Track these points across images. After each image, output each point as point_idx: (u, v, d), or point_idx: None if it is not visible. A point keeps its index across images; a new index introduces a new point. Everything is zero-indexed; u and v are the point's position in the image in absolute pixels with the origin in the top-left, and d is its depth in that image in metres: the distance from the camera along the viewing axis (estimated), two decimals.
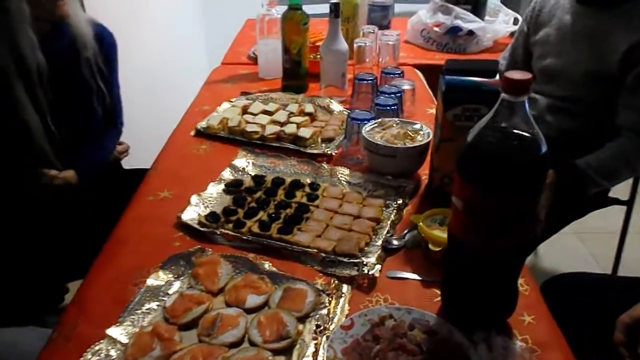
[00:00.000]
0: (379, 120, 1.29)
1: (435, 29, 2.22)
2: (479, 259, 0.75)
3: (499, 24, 2.23)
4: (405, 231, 1.05)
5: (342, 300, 0.88)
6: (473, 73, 1.02)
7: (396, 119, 1.30)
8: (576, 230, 2.46)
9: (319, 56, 1.71)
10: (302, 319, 0.84)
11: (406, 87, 1.55)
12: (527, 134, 0.67)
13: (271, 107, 1.58)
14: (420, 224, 0.98)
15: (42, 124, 1.21)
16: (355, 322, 0.82)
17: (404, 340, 0.77)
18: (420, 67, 2.04)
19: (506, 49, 1.92)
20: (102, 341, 0.78)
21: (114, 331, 0.79)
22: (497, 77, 1.02)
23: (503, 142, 0.67)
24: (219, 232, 1.03)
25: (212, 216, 1.06)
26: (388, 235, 1.04)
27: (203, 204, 1.12)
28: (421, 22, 2.26)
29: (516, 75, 0.65)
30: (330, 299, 0.87)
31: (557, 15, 1.64)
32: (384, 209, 1.12)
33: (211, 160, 1.32)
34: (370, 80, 1.59)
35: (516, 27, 2.00)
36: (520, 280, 0.92)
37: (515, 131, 0.67)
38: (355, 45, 1.72)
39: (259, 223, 1.05)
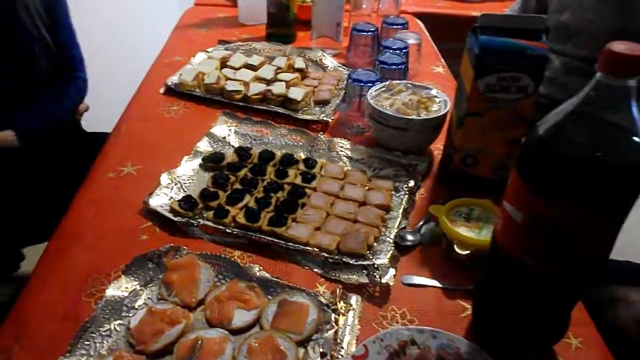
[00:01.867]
0: (387, 83, 1.09)
1: None
2: (535, 282, 0.59)
3: None
4: (421, 223, 0.88)
5: (351, 316, 0.71)
6: (513, 32, 0.82)
7: (406, 82, 1.10)
8: None
9: (309, 0, 1.47)
10: (302, 343, 0.67)
11: (412, 41, 1.34)
12: (628, 131, 0.49)
13: (255, 60, 1.35)
14: (443, 218, 0.81)
15: None
16: (370, 350, 0.66)
17: None
18: (422, 17, 1.82)
19: None
20: None
21: None
22: (544, 38, 0.82)
23: (596, 139, 0.49)
24: (196, 224, 0.84)
25: (187, 201, 0.87)
26: (401, 228, 0.87)
27: (176, 184, 0.92)
28: None
29: (623, 48, 0.46)
30: (336, 316, 0.71)
31: None
32: (393, 193, 0.95)
33: (184, 125, 1.11)
34: (371, 31, 1.37)
35: None
36: None
37: (615, 126, 0.49)
38: None
39: (246, 211, 0.86)
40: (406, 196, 0.94)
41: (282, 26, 1.54)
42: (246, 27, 1.63)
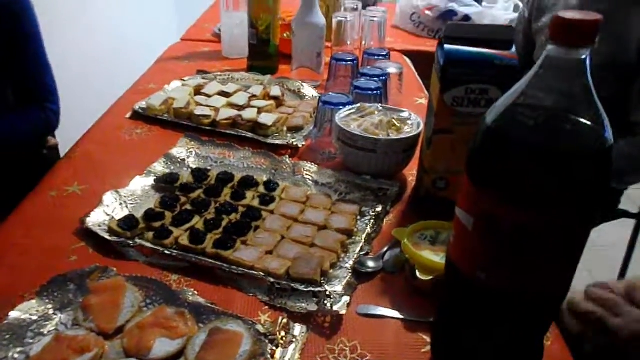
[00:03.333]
0: (358, 105, 1.03)
1: (427, 12, 1.97)
2: (493, 302, 0.50)
3: (498, 10, 1.99)
4: (385, 249, 0.79)
5: (292, 348, 0.62)
6: (481, 43, 0.77)
7: (378, 105, 1.04)
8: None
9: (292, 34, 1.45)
10: None
11: (392, 70, 1.30)
12: (585, 114, 0.41)
13: (230, 88, 1.31)
14: (405, 241, 0.72)
15: None
16: None
17: None
18: (409, 54, 1.79)
19: None
20: None
21: None
22: (514, 49, 0.77)
23: (548, 125, 0.42)
24: (132, 244, 0.76)
25: (127, 221, 0.79)
26: (362, 253, 0.78)
27: (120, 204, 0.85)
28: (411, 4, 2.01)
29: (575, 14, 0.39)
30: (273, 347, 0.61)
31: None
32: (358, 217, 0.86)
33: (144, 148, 1.05)
34: (351, 61, 1.33)
35: (516, 15, 1.79)
36: None
37: (568, 109, 0.41)
38: (334, 21, 1.46)
39: (190, 233, 0.78)
40: (372, 221, 0.86)
41: (263, 58, 1.51)
42: (229, 60, 1.61)
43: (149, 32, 2.38)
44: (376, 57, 1.39)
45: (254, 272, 0.72)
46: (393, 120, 0.98)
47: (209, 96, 1.27)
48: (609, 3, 1.32)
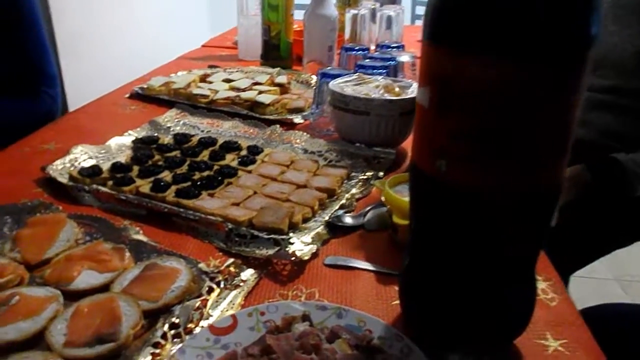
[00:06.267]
0: (357, 74, 0.96)
1: None
2: (460, 211, 0.39)
3: None
4: (368, 207, 0.69)
5: (236, 291, 0.52)
6: None
7: (379, 77, 0.96)
8: (617, 276, 2.05)
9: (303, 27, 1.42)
10: (157, 314, 0.48)
11: (405, 58, 1.23)
12: None
13: (235, 76, 1.27)
14: (386, 187, 0.63)
15: None
16: (240, 323, 0.46)
17: (310, 357, 0.40)
18: None
19: None
20: None
21: None
22: None
23: None
24: (87, 189, 0.70)
25: (89, 170, 0.73)
26: (340, 210, 0.69)
27: (91, 157, 0.80)
28: None
29: None
30: (215, 286, 0.52)
31: None
32: (345, 180, 0.77)
33: (135, 120, 1.00)
34: (362, 51, 1.27)
35: None
36: (542, 283, 0.55)
37: None
38: (348, 15, 1.42)
39: (153, 182, 0.71)
40: (360, 184, 0.76)
41: (276, 59, 1.48)
42: (244, 62, 1.59)
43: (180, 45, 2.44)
44: (389, 49, 1.33)
45: (211, 217, 0.63)
46: (393, 85, 0.89)
47: (212, 83, 1.23)
48: None
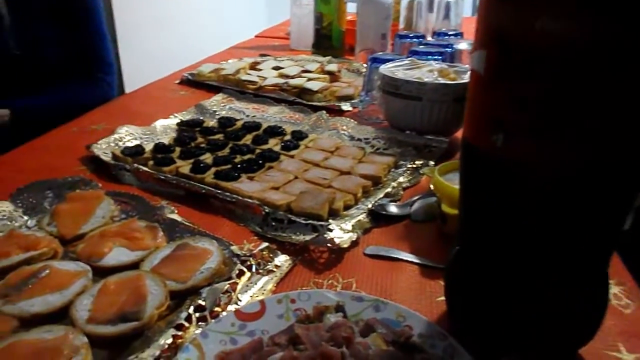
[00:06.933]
0: (410, 58, 0.91)
1: None
2: (522, 191, 0.34)
3: None
4: (416, 197, 0.64)
5: (268, 277, 0.49)
6: None
7: (434, 62, 0.90)
8: None
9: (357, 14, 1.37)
10: (184, 295, 0.46)
11: (463, 46, 1.16)
12: None
13: (285, 64, 1.25)
14: (436, 175, 0.57)
15: None
16: (268, 310, 0.43)
17: (340, 350, 0.36)
18: None
19: None
20: None
21: None
22: None
23: None
24: (128, 167, 0.69)
25: (132, 149, 0.73)
26: (385, 199, 0.64)
27: (135, 138, 0.79)
28: None
29: None
30: (246, 270, 0.49)
31: None
32: (392, 169, 0.73)
33: (183, 104, 1.00)
34: (416, 38, 1.21)
35: None
36: (615, 287, 0.48)
37: None
38: (403, 2, 1.36)
39: (193, 163, 0.70)
40: (408, 172, 0.71)
41: (327, 49, 1.45)
42: (295, 52, 1.57)
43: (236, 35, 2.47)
44: (447, 37, 1.26)
45: (248, 200, 0.61)
46: (448, 70, 0.84)
47: (261, 70, 1.22)
48: None
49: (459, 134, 0.82)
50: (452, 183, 0.56)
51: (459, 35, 1.26)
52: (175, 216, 0.57)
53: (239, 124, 0.86)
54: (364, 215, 0.60)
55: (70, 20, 1.16)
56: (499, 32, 0.32)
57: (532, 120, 0.31)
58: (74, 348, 0.39)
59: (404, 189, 0.68)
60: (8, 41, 1.05)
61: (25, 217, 0.58)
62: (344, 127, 0.86)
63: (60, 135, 0.84)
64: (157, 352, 0.39)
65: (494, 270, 0.39)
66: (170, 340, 0.40)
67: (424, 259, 0.53)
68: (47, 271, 0.47)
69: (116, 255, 0.51)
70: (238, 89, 1.08)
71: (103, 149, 0.74)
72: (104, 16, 1.26)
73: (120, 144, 0.77)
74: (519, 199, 0.34)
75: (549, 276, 0.37)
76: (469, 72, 0.81)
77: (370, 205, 0.62)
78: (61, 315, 0.44)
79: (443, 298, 0.46)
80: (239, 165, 0.70)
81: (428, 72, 0.83)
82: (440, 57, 0.99)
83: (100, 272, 0.49)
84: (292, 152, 0.76)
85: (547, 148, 0.31)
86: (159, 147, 0.74)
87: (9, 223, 0.56)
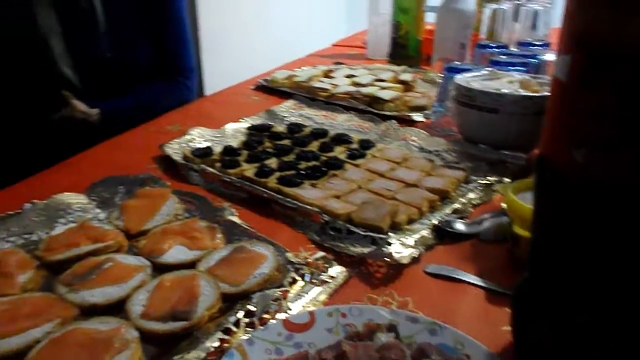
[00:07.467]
0: (489, 69, 0.86)
1: None
2: (606, 212, 0.30)
3: None
4: (486, 215, 0.60)
5: (321, 288, 0.47)
6: None
7: (517, 74, 0.85)
8: None
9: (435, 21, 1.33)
10: (235, 298, 0.45)
11: (550, 57, 1.08)
12: None
13: (359, 72, 1.24)
14: (509, 193, 0.53)
15: (66, 47, 1.05)
16: (317, 322, 0.41)
17: None
18: None
19: None
20: None
21: None
22: None
23: None
24: (196, 168, 0.70)
25: (201, 151, 0.75)
26: (452, 215, 0.60)
27: (206, 140, 0.81)
28: None
29: None
30: (300, 278, 0.48)
31: None
32: (462, 184, 0.69)
33: (254, 109, 1.02)
34: (498, 48, 1.15)
35: None
36: None
37: None
38: (486, 10, 1.30)
39: (259, 167, 0.70)
40: (479, 188, 0.67)
41: (402, 58, 1.42)
42: (372, 61, 1.55)
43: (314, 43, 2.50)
44: (531, 48, 1.18)
45: (308, 207, 0.60)
46: (530, 81, 0.78)
47: (334, 78, 1.21)
48: None
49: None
50: (527, 203, 0.51)
51: (546, 46, 1.19)
52: (235, 218, 0.58)
53: (307, 130, 0.86)
54: (427, 230, 0.57)
55: (156, 27, 1.22)
56: (587, 35, 0.28)
57: (620, 133, 0.27)
58: (125, 342, 0.39)
59: (474, 206, 0.63)
60: (102, 45, 1.13)
61: (98, 210, 0.60)
62: (414, 138, 0.83)
63: (138, 134, 0.88)
64: (203, 355, 0.39)
65: (569, 301, 0.34)
66: (217, 344, 0.40)
67: (490, 282, 0.49)
68: (110, 264, 0.49)
69: (175, 253, 0.52)
70: (309, 95, 1.08)
71: (175, 149, 0.76)
72: (187, 24, 1.31)
73: (191, 144, 0.79)
74: (601, 222, 0.30)
75: (633, 311, 0.32)
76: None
77: (435, 221, 0.59)
78: (118, 308, 0.45)
79: (509, 327, 0.42)
80: (302, 172, 0.69)
81: (508, 83, 0.78)
82: (523, 69, 0.93)
83: (159, 268, 0.50)
84: (358, 161, 0.74)
85: (636, 166, 0.27)
86: (227, 150, 0.75)
87: (82, 214, 0.59)
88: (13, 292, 0.45)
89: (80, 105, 1.07)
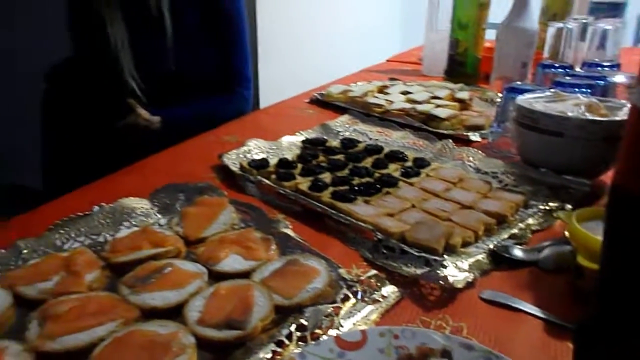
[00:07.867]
0: (553, 91, 0.83)
1: None
2: None
3: None
4: (546, 243, 0.58)
5: (373, 306, 0.47)
6: None
7: (583, 96, 0.82)
8: None
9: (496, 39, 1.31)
10: (289, 311, 0.46)
11: (619, 79, 1.04)
12: None
13: (414, 89, 1.23)
14: (573, 221, 0.51)
15: (133, 57, 1.11)
16: (369, 341, 0.41)
17: None
18: None
19: None
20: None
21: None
22: None
23: None
24: (252, 179, 0.72)
25: (258, 162, 0.76)
26: (511, 241, 0.59)
27: (262, 152, 0.83)
28: None
29: None
30: (352, 296, 0.48)
31: None
32: (521, 208, 0.67)
33: (309, 123, 1.03)
34: (563, 69, 1.12)
35: None
36: None
37: None
38: (550, 29, 1.26)
39: (313, 181, 0.71)
40: (539, 214, 0.65)
41: (460, 76, 1.40)
42: (427, 78, 1.54)
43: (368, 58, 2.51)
44: (599, 69, 1.14)
45: (361, 223, 0.60)
46: (598, 105, 0.75)
47: (389, 94, 1.21)
48: None
49: (605, 177, 0.74)
50: (593, 233, 0.49)
51: (615, 67, 1.14)
52: (289, 231, 0.58)
53: (361, 146, 0.86)
54: (483, 255, 0.55)
55: (220, 41, 1.26)
56: None
57: None
58: (182, 346, 0.41)
59: (533, 232, 0.61)
60: (168, 59, 1.18)
61: (159, 216, 0.63)
62: (470, 159, 0.81)
63: (198, 143, 0.91)
64: None
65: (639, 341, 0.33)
66: (269, 356, 0.40)
67: (550, 314, 0.47)
68: (170, 269, 0.51)
69: (231, 262, 0.53)
70: (364, 111, 1.08)
71: (232, 160, 0.78)
72: (248, 34, 1.35)
73: (248, 155, 0.81)
74: None
75: None
76: (625, 109, 0.72)
77: (491, 245, 0.57)
78: (175, 313, 0.46)
79: None
80: (356, 188, 0.70)
81: (573, 105, 0.75)
82: (588, 91, 0.90)
83: (215, 276, 0.51)
84: (412, 180, 0.74)
85: None
86: (282, 162, 0.77)
87: (145, 219, 0.62)
88: (81, 290, 0.48)
89: (144, 113, 1.13)
